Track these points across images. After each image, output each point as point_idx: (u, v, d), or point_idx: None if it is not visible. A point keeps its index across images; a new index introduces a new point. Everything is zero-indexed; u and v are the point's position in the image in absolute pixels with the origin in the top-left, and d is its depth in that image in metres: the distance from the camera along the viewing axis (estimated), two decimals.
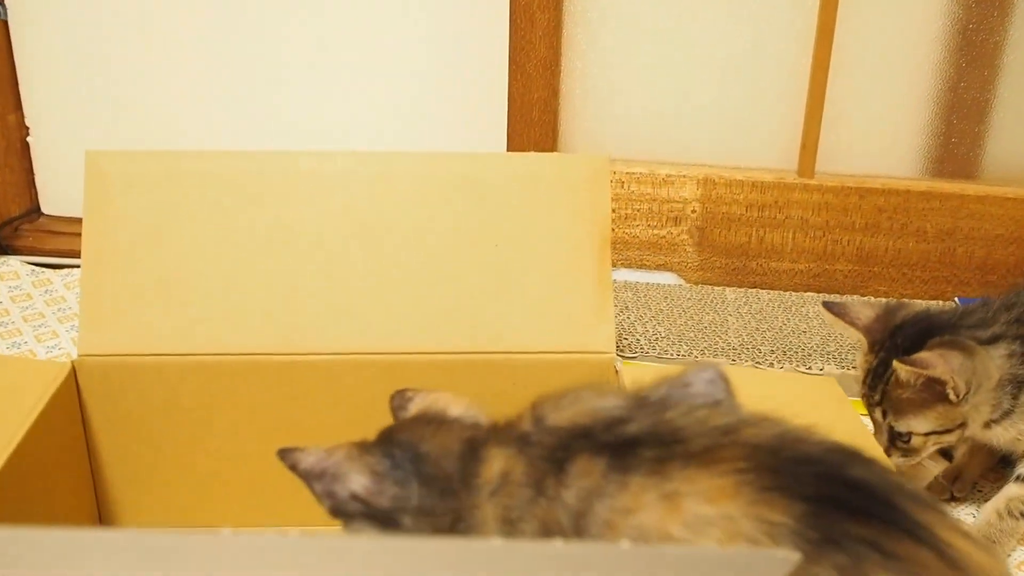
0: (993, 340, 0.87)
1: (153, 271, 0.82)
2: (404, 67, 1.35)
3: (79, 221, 1.45)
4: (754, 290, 1.31)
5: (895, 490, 0.46)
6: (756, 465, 0.46)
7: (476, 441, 0.57)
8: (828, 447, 0.49)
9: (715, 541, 0.44)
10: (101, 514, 0.85)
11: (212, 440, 0.83)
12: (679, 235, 1.33)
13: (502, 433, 0.56)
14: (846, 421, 0.78)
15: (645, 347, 1.13)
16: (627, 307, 1.22)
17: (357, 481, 0.58)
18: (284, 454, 0.60)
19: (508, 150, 1.33)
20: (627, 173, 1.31)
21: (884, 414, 0.89)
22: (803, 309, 1.25)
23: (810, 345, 1.16)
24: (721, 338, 1.16)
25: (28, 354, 1.14)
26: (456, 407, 0.62)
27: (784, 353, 1.13)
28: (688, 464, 0.47)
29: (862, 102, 1.31)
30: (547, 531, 0.49)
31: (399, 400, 0.66)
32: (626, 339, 1.15)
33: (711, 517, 0.45)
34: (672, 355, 1.12)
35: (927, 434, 0.88)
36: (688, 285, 1.33)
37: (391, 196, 0.84)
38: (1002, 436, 0.90)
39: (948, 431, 0.87)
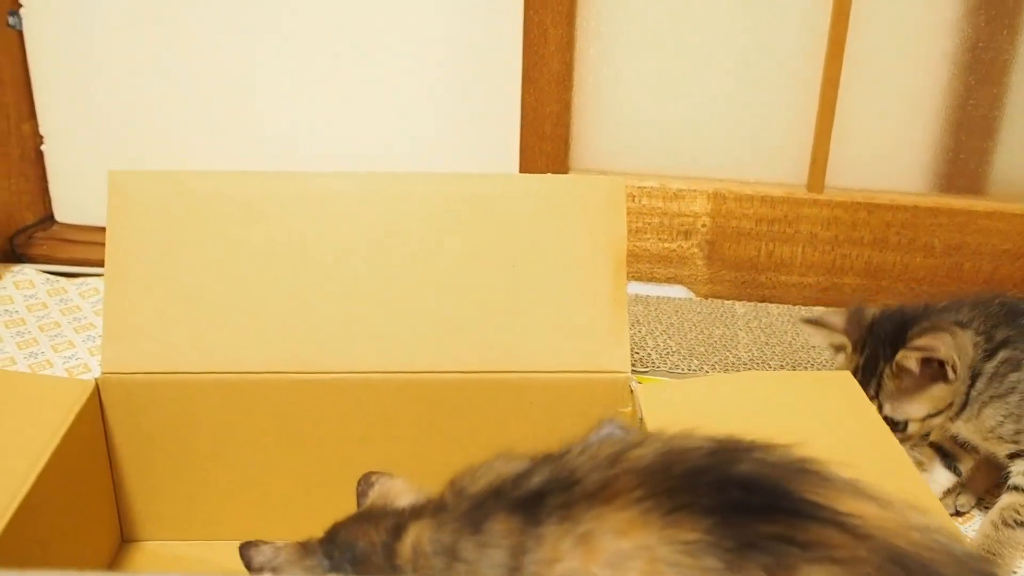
0: (961, 326, 0.94)
1: (174, 290, 0.83)
2: (418, 81, 1.36)
3: (93, 229, 1.47)
4: (763, 304, 1.32)
5: (783, 475, 0.48)
6: (652, 491, 0.47)
7: (400, 523, 0.56)
8: (711, 449, 0.50)
9: (640, 574, 0.45)
10: (123, 529, 0.86)
11: (231, 455, 0.84)
12: (689, 248, 1.35)
13: (422, 509, 0.57)
14: (861, 415, 0.79)
15: (656, 361, 1.14)
16: (638, 320, 1.23)
17: None
18: (243, 550, 0.62)
19: (520, 164, 1.34)
20: (638, 187, 1.32)
21: (880, 407, 0.93)
22: None
23: (820, 360, 1.17)
24: (731, 352, 1.17)
25: (45, 364, 1.15)
26: (407, 496, 0.62)
27: (794, 367, 1.14)
28: (592, 503, 0.48)
29: (872, 118, 1.32)
30: None
31: (363, 485, 0.67)
32: (637, 353, 1.16)
33: (629, 551, 0.46)
34: (683, 370, 1.13)
35: (923, 418, 0.94)
36: (698, 298, 1.34)
37: (407, 217, 0.85)
38: (963, 429, 0.95)
39: (940, 412, 0.94)
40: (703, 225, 1.33)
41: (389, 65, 1.35)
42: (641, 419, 0.80)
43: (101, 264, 1.37)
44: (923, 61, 1.30)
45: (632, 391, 0.83)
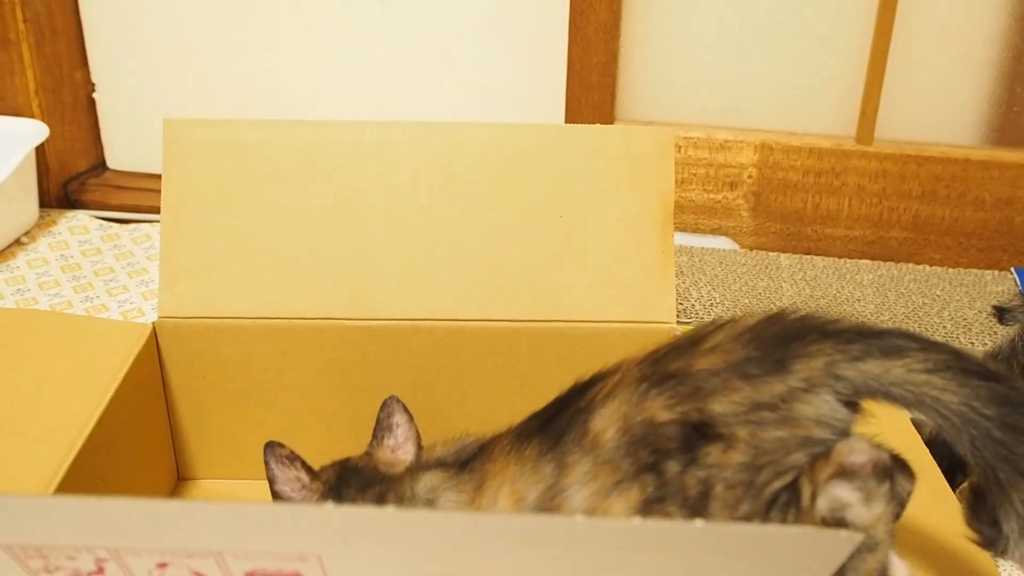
0: None
1: (228, 237, 0.84)
2: (464, 30, 1.35)
3: (144, 176, 1.49)
4: (808, 256, 1.32)
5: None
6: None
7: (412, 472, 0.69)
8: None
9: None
10: (179, 467, 0.89)
11: (284, 399, 0.87)
12: (735, 200, 1.34)
13: (425, 463, 0.70)
14: None
15: (700, 313, 1.15)
16: (682, 271, 1.24)
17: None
18: (268, 448, 0.74)
19: (566, 113, 1.34)
20: (684, 137, 1.32)
21: None
22: (857, 276, 1.26)
23: (864, 313, 1.16)
24: (775, 305, 1.18)
25: (101, 308, 1.18)
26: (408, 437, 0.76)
27: None
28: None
29: (923, 69, 1.30)
30: None
31: (387, 410, 0.78)
32: (681, 304, 1.16)
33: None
34: None
35: None
36: (742, 250, 1.34)
37: (457, 166, 0.86)
38: None
39: None
40: (749, 176, 1.33)
41: (436, 13, 1.35)
42: None
43: (152, 211, 1.41)
44: (978, 11, 1.27)
45: None
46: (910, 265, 1.31)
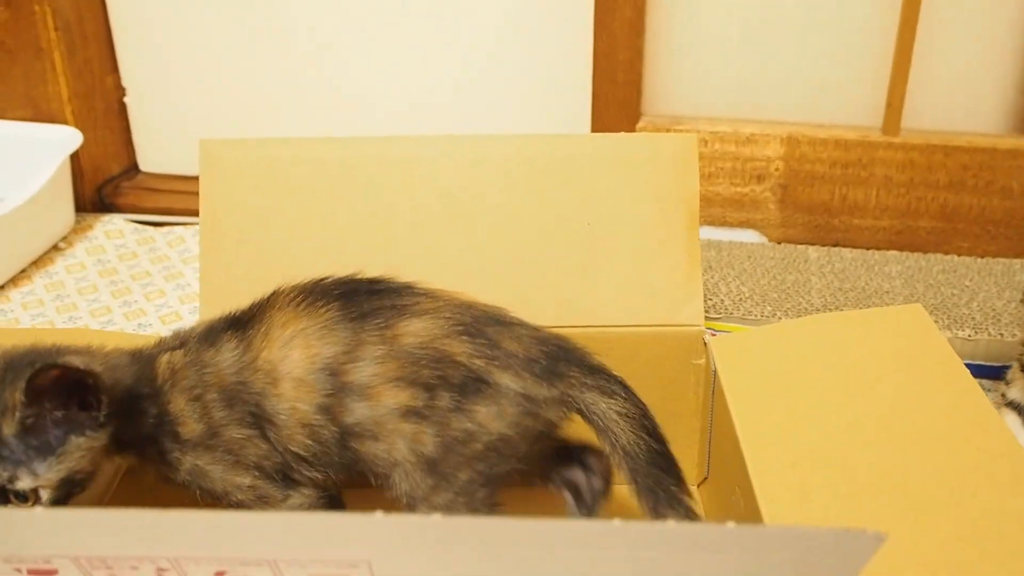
0: None
1: (265, 251, 0.87)
2: (490, 29, 1.37)
3: (176, 178, 1.52)
4: (836, 248, 1.32)
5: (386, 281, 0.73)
6: (298, 294, 0.71)
7: (151, 354, 0.71)
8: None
9: (299, 348, 0.68)
10: None
11: None
12: (762, 192, 1.35)
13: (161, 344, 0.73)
14: (934, 349, 0.80)
15: (729, 308, 1.16)
16: (710, 266, 1.24)
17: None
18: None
19: (592, 111, 1.34)
20: (710, 132, 1.33)
21: None
22: (886, 268, 1.27)
23: (894, 304, 1.17)
24: (804, 299, 1.18)
25: (139, 313, 1.20)
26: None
27: None
28: (264, 312, 0.72)
29: (950, 59, 1.30)
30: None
31: None
32: (710, 300, 1.17)
33: (290, 335, 0.68)
34: (756, 316, 1.15)
35: None
36: (770, 243, 1.34)
37: (484, 178, 0.88)
38: None
39: None
40: (776, 169, 1.33)
41: (462, 11, 1.36)
42: (715, 371, 0.82)
43: (185, 213, 1.43)
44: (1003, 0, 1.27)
45: (705, 343, 0.85)
46: (938, 255, 1.31)
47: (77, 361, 0.63)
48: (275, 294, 0.72)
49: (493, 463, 0.69)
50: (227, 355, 0.69)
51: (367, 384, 0.67)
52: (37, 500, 0.62)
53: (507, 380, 0.68)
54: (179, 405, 0.68)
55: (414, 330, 0.68)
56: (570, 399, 0.70)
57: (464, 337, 0.68)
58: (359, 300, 0.69)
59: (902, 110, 1.30)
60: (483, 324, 0.70)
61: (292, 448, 0.69)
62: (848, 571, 0.47)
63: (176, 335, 0.73)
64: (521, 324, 0.72)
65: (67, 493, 0.64)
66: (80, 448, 0.63)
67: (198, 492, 0.68)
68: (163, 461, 0.68)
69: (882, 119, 1.32)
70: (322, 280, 0.72)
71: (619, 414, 0.70)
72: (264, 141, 0.88)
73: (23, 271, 1.27)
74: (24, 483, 0.62)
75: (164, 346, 0.72)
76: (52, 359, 0.63)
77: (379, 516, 0.45)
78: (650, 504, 0.70)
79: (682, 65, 1.36)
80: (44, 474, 0.62)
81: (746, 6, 1.32)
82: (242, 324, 0.71)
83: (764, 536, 0.46)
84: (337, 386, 0.67)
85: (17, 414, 0.61)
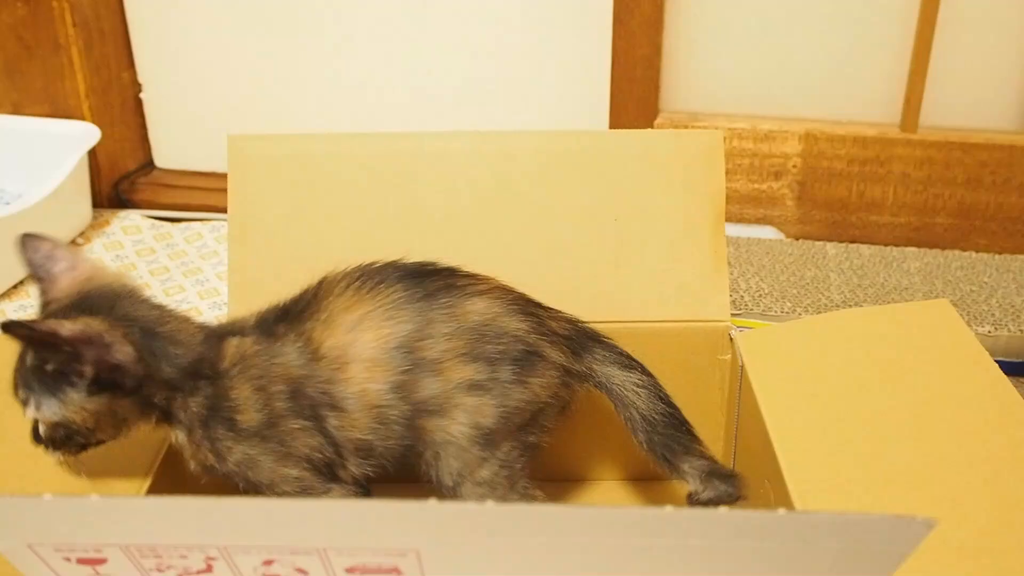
0: None
1: (293, 247, 0.86)
2: (509, 25, 1.37)
3: (191, 174, 1.52)
4: (854, 245, 1.32)
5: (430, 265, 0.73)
6: (355, 279, 0.71)
7: (218, 334, 0.69)
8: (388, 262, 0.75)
9: (369, 331, 0.69)
10: None
11: None
12: (780, 189, 1.35)
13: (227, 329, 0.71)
14: (961, 344, 0.80)
15: (749, 304, 1.16)
16: (729, 262, 1.24)
17: (124, 351, 0.63)
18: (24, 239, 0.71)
19: (611, 107, 1.35)
20: (729, 128, 1.33)
21: None
22: (904, 264, 1.27)
23: (914, 301, 1.17)
24: (823, 294, 1.18)
25: None
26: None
27: None
28: (320, 301, 0.71)
29: (968, 56, 1.30)
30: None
31: (33, 247, 0.72)
32: (731, 296, 1.17)
33: (356, 319, 0.69)
34: (776, 312, 1.15)
35: None
36: (788, 239, 1.34)
37: (513, 174, 0.88)
38: None
39: None
40: (794, 166, 1.33)
41: (481, 8, 1.36)
42: (742, 366, 0.82)
43: (201, 208, 1.43)
44: None
45: (732, 339, 0.85)
46: (956, 252, 1.31)
47: (70, 325, 0.61)
48: (325, 281, 0.72)
49: (531, 431, 0.74)
50: (290, 347, 0.69)
51: (439, 359, 0.69)
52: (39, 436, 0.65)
53: (555, 355, 0.73)
54: (243, 393, 0.67)
55: (478, 308, 0.71)
56: (592, 372, 0.77)
57: (520, 316, 0.73)
58: (420, 281, 0.71)
59: (920, 107, 1.30)
60: (531, 306, 0.75)
61: (354, 435, 0.69)
62: (896, 558, 0.47)
63: (233, 322, 0.72)
64: (548, 307, 0.77)
65: (65, 436, 0.64)
66: (73, 403, 0.63)
67: (241, 483, 0.68)
68: (211, 448, 0.67)
69: (900, 116, 1.32)
70: (371, 265, 0.72)
71: (637, 385, 0.76)
72: (292, 137, 0.88)
73: None
74: (30, 411, 0.64)
75: (227, 329, 0.71)
76: (120, 303, 0.66)
77: (431, 503, 0.45)
78: (669, 457, 0.75)
79: (700, 62, 1.36)
80: (43, 411, 0.63)
81: (764, 3, 1.32)
82: (296, 315, 0.71)
83: (814, 523, 0.46)
84: (412, 363, 0.69)
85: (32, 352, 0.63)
